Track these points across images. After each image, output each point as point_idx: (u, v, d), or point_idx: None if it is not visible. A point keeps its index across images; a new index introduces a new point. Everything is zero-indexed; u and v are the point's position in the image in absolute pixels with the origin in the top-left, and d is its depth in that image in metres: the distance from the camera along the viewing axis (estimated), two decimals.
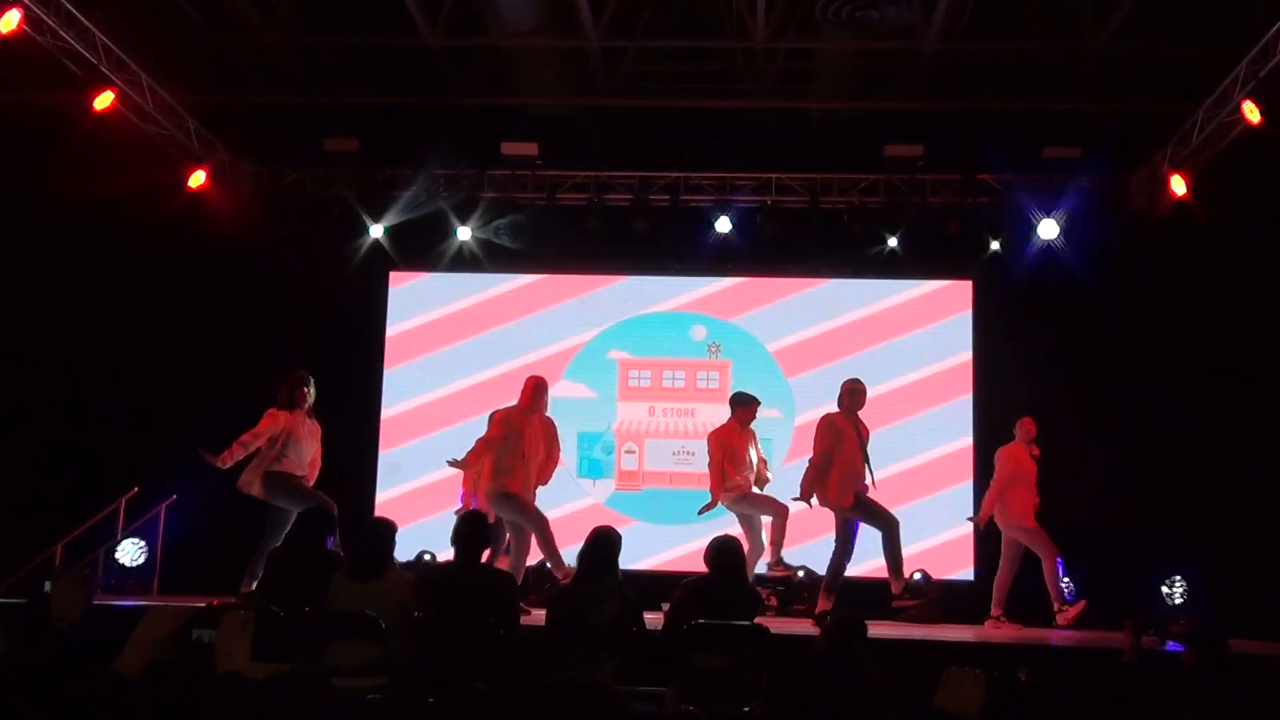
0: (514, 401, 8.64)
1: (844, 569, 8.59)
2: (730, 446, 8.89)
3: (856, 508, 8.54)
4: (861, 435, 8.72)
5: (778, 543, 8.88)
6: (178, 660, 2.80)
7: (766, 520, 8.98)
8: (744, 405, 9.11)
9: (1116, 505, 10.30)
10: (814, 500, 8.60)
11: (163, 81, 9.89)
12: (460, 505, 9.03)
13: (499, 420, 8.54)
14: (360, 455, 11.07)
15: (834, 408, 8.83)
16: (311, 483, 8.48)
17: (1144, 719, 4.24)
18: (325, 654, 5.62)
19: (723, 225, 11.02)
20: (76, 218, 9.79)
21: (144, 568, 9.91)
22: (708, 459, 8.98)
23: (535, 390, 8.57)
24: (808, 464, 8.67)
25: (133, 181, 9.83)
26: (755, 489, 8.94)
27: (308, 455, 8.45)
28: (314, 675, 5.45)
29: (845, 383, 8.88)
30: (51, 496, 9.84)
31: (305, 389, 8.49)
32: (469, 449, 8.43)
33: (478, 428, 8.91)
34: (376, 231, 11.25)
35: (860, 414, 8.80)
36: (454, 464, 8.45)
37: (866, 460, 8.67)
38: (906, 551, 8.84)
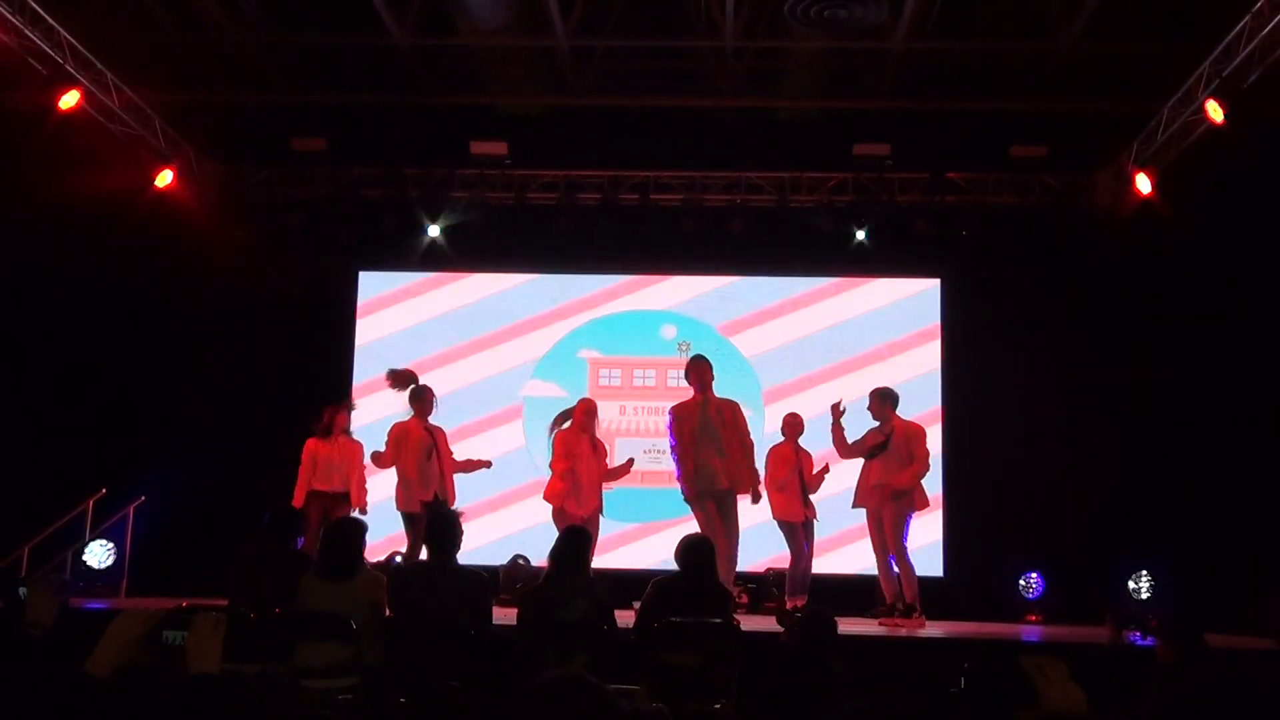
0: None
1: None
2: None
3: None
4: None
5: None
6: (148, 662, 2.80)
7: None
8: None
9: (1083, 501, 10.39)
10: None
11: (129, 80, 9.82)
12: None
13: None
14: None
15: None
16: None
17: (1109, 712, 4.28)
18: (295, 654, 5.61)
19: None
20: (42, 218, 9.72)
21: (112, 570, 9.85)
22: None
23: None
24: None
25: (99, 181, 9.77)
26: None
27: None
28: (284, 676, 5.47)
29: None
30: (18, 498, 9.77)
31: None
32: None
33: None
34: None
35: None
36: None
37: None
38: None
